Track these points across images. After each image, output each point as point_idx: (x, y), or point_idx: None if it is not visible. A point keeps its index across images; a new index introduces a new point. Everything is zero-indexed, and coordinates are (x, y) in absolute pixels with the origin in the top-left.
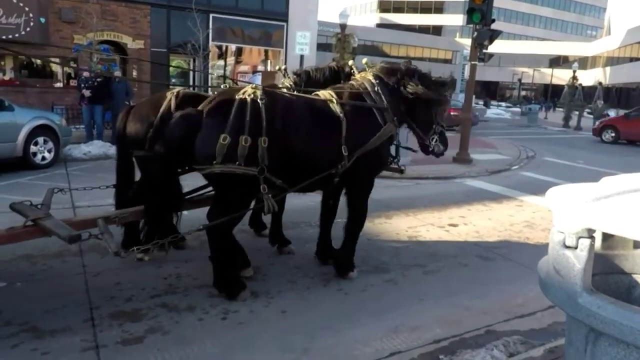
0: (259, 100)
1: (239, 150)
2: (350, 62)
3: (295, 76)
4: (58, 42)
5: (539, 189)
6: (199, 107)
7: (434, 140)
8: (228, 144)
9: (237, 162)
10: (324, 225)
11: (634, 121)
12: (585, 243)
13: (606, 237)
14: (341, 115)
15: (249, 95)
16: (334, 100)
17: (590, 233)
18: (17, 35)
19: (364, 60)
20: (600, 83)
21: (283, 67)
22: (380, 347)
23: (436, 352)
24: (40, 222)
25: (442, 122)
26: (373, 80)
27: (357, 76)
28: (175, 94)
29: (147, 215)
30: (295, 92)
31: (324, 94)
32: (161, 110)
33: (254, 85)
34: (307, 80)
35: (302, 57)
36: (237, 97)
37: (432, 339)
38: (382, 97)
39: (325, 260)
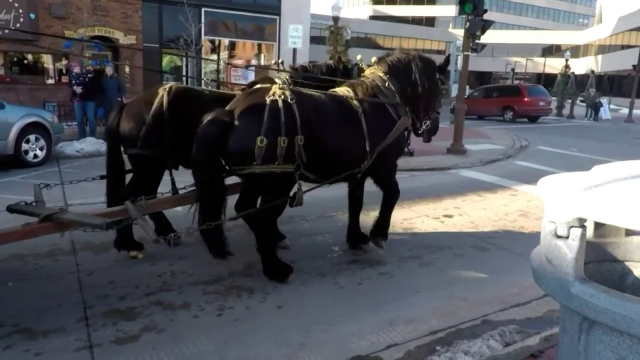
0: (290, 101)
1: (278, 151)
2: (359, 57)
3: (292, 71)
4: (48, 38)
5: (533, 178)
6: (227, 108)
7: (426, 124)
8: (266, 145)
9: (277, 162)
10: (352, 215)
11: (472, 100)
12: (576, 232)
13: (598, 225)
14: (360, 111)
15: (279, 96)
16: (353, 97)
17: (581, 222)
18: (6, 31)
19: (373, 58)
20: (592, 71)
21: (280, 61)
22: (377, 340)
23: (432, 343)
24: (59, 217)
25: (439, 107)
26: (384, 77)
27: (367, 72)
28: (167, 90)
29: (203, 205)
30: (318, 90)
31: (342, 90)
32: (153, 108)
33: (280, 85)
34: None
35: (295, 50)
36: (267, 98)
37: (428, 330)
38: (394, 92)
39: (356, 246)
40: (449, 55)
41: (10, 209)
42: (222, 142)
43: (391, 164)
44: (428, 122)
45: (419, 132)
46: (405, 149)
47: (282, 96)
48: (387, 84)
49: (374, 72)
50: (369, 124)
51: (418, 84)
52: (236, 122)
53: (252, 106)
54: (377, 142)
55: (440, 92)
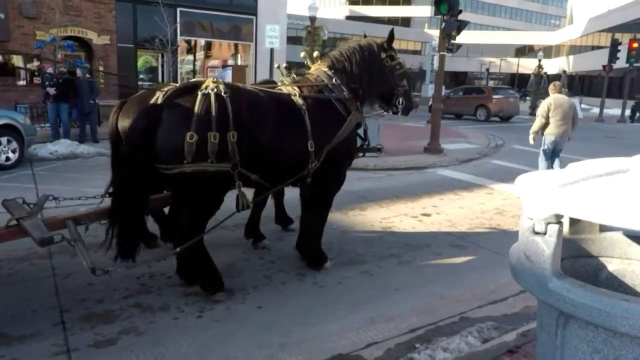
0: (223, 94)
1: (209, 147)
2: (302, 54)
3: (296, 75)
4: (19, 38)
5: (508, 176)
6: (159, 101)
7: (399, 102)
8: (196, 141)
9: (209, 160)
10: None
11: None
12: (553, 229)
13: (573, 221)
14: (304, 108)
15: (211, 89)
16: (297, 94)
17: (558, 219)
18: None
19: (315, 53)
20: (564, 71)
21: (283, 65)
22: (357, 338)
23: (412, 341)
24: (21, 222)
25: (401, 82)
26: (329, 72)
27: (312, 69)
28: (164, 92)
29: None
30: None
31: (287, 88)
32: None
33: (215, 80)
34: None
35: (272, 50)
36: (199, 92)
37: (408, 328)
38: (342, 87)
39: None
40: (392, 29)
41: (3, 204)
42: (151, 138)
43: (341, 170)
44: (400, 99)
45: (398, 112)
46: (375, 145)
47: (215, 89)
48: (333, 80)
49: (318, 68)
50: (314, 122)
51: (365, 72)
52: (165, 116)
53: (183, 100)
54: (325, 140)
55: (393, 69)
